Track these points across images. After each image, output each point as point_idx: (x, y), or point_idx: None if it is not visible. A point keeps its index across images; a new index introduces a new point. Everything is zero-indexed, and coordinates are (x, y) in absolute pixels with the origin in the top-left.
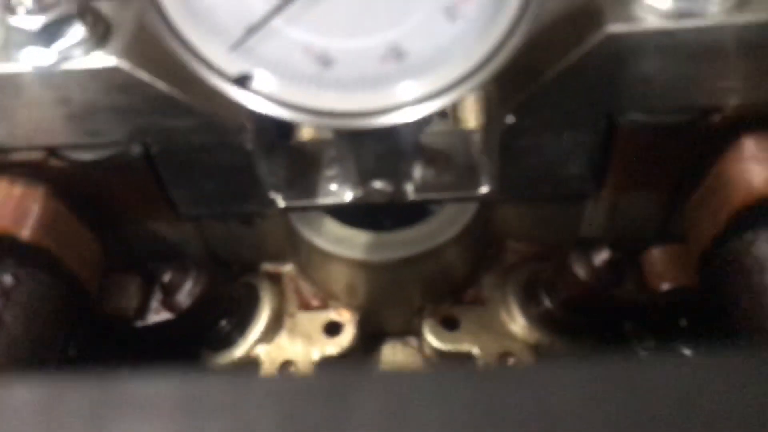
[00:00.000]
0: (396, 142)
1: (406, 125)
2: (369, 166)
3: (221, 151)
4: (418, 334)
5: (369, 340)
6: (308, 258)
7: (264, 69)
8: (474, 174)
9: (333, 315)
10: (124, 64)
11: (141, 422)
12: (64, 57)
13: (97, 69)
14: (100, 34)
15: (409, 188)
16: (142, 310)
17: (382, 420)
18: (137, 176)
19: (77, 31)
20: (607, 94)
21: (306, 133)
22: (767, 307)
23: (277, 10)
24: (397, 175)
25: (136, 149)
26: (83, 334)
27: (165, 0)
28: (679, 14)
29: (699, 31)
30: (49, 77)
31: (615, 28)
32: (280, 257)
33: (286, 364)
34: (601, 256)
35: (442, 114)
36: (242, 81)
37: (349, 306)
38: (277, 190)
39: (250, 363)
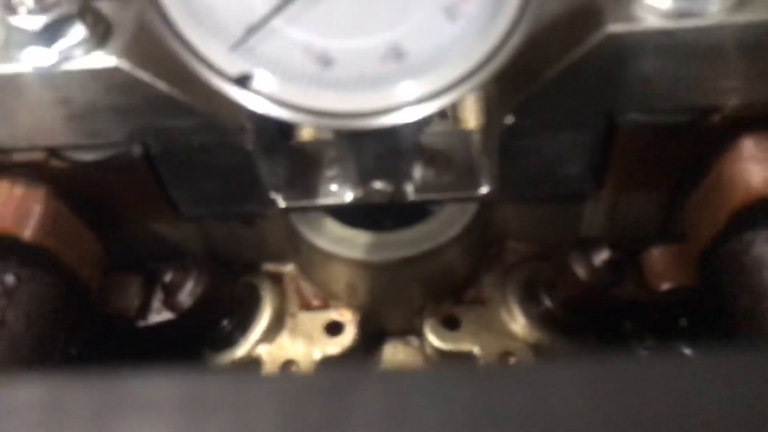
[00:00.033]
0: (396, 143)
1: (406, 125)
2: (369, 166)
3: (222, 151)
4: (419, 333)
5: (370, 339)
6: (309, 258)
7: (264, 69)
8: (474, 174)
9: (334, 315)
10: (124, 64)
11: (143, 421)
12: (65, 57)
13: (98, 69)
14: (101, 34)
15: (409, 188)
16: (144, 309)
17: (383, 419)
18: (138, 176)
19: (78, 31)
20: (607, 94)
21: (306, 134)
22: (766, 306)
23: (277, 10)
24: (397, 175)
25: (136, 149)
26: (84, 333)
27: (166, 1)
28: (679, 14)
29: (699, 30)
30: (49, 77)
31: (615, 27)
32: (281, 257)
33: (288, 364)
34: (601, 256)
35: (442, 114)
36: (242, 81)
37: (350, 306)
38: (278, 190)
39: (252, 363)
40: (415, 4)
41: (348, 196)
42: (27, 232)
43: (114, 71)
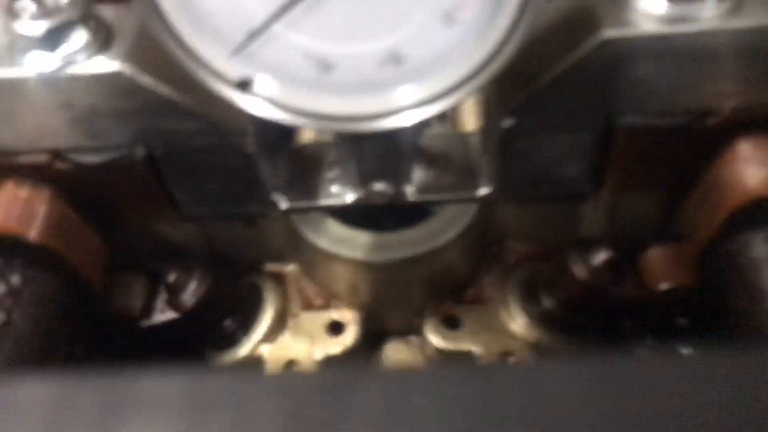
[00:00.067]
0: (396, 145)
1: (406, 128)
2: (369, 168)
3: (223, 153)
4: (420, 333)
5: (371, 339)
6: (311, 258)
7: (265, 73)
8: (473, 175)
9: (336, 314)
10: (126, 69)
11: (148, 418)
12: (68, 62)
13: (100, 73)
14: (103, 39)
15: (410, 190)
16: (147, 309)
17: (383, 417)
18: (141, 178)
19: (80, 36)
20: (604, 97)
21: (307, 136)
22: (763, 305)
23: (277, 15)
24: (398, 176)
25: (139, 152)
26: (89, 333)
27: (166, 6)
28: (674, 19)
29: (693, 36)
30: (52, 82)
31: (611, 32)
32: (282, 257)
33: (290, 363)
34: (600, 256)
35: (441, 117)
36: (243, 85)
37: (351, 306)
38: (279, 191)
39: (254, 362)
40: (413, 10)
41: (349, 197)
42: (32, 233)
43: (116, 75)
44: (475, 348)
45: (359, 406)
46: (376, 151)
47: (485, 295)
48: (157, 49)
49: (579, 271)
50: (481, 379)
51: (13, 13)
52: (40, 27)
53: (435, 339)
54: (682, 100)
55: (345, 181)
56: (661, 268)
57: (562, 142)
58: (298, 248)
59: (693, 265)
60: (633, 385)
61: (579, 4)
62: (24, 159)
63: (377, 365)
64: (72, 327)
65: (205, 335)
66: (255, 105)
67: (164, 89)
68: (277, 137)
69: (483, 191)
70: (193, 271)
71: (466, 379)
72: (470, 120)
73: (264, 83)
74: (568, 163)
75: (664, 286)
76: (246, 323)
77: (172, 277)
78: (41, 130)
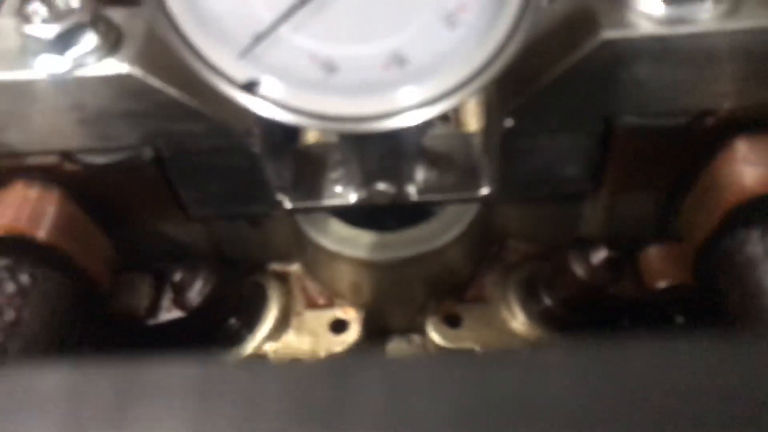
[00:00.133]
0: (399, 145)
1: (409, 129)
2: (373, 168)
3: (230, 154)
4: (422, 331)
5: (374, 337)
6: (314, 258)
7: (271, 75)
8: (475, 175)
9: (339, 313)
10: (135, 71)
11: (161, 403)
12: (78, 64)
13: (110, 76)
14: (113, 42)
15: (412, 190)
16: (154, 308)
17: (386, 402)
18: (148, 179)
19: (90, 39)
20: (603, 97)
21: (311, 137)
22: (759, 303)
23: (282, 19)
24: (400, 177)
25: (147, 153)
26: (96, 331)
27: (175, 9)
28: (672, 21)
29: (691, 37)
30: (63, 84)
31: (610, 34)
32: (287, 257)
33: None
34: (599, 255)
35: (443, 117)
36: (250, 87)
37: (354, 304)
38: (284, 192)
39: (259, 360)
40: (415, 13)
41: (352, 198)
42: (41, 233)
43: (125, 78)
44: (476, 346)
45: (363, 392)
46: (379, 152)
47: (486, 293)
48: (165, 52)
49: (579, 269)
50: (480, 365)
51: (24, 17)
52: (51, 30)
53: (436, 337)
54: (681, 101)
55: (348, 181)
56: (660, 266)
57: (561, 143)
58: (303, 248)
59: (690, 264)
60: (630, 370)
61: (579, 6)
62: (34, 160)
63: (380, 353)
64: (79, 325)
65: (210, 334)
66: (261, 106)
67: (172, 91)
68: (282, 138)
69: (484, 191)
70: (198, 270)
71: (468, 366)
72: (472, 120)
73: (270, 85)
74: (567, 163)
75: (662, 284)
76: (250, 322)
77: (177, 277)
78: (51, 132)
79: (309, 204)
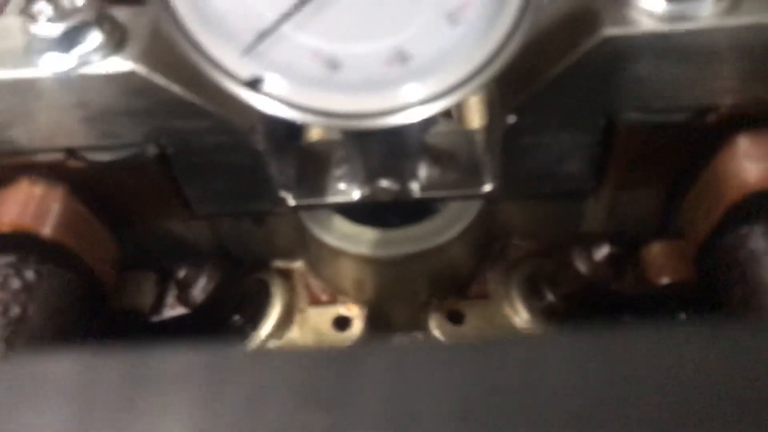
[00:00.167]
0: (402, 142)
1: (411, 125)
2: (376, 165)
3: (234, 151)
4: (425, 328)
5: (377, 334)
6: (318, 254)
7: (275, 73)
8: (477, 172)
9: (342, 310)
10: (140, 69)
11: (169, 390)
12: (83, 62)
13: (114, 73)
14: (117, 40)
15: (415, 186)
16: (158, 305)
17: (391, 387)
18: (153, 176)
19: (95, 37)
20: (605, 94)
21: (315, 134)
22: (761, 299)
23: (286, 16)
24: (403, 173)
25: (151, 150)
26: (101, 328)
27: (179, 7)
28: (673, 17)
29: (692, 33)
30: (68, 82)
31: (611, 30)
32: (290, 254)
33: None
34: (602, 251)
35: (446, 114)
36: (254, 84)
37: (357, 301)
38: (288, 189)
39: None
40: (418, 10)
41: (355, 194)
42: (46, 230)
43: (130, 75)
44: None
45: (369, 379)
46: (382, 149)
47: (489, 290)
48: (169, 50)
49: (582, 266)
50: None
51: (30, 16)
52: (57, 29)
53: (439, 333)
54: (682, 97)
55: (352, 178)
56: (662, 263)
57: (564, 140)
58: (306, 245)
59: (693, 260)
60: (632, 359)
61: (580, 3)
62: (39, 157)
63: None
64: (84, 322)
65: (214, 330)
66: (265, 103)
67: (176, 88)
68: (285, 135)
69: (487, 188)
70: (202, 267)
71: (472, 353)
72: (475, 117)
73: (274, 82)
74: (570, 160)
75: (664, 280)
76: (254, 318)
77: (181, 274)
78: (56, 129)
79: (312, 201)
